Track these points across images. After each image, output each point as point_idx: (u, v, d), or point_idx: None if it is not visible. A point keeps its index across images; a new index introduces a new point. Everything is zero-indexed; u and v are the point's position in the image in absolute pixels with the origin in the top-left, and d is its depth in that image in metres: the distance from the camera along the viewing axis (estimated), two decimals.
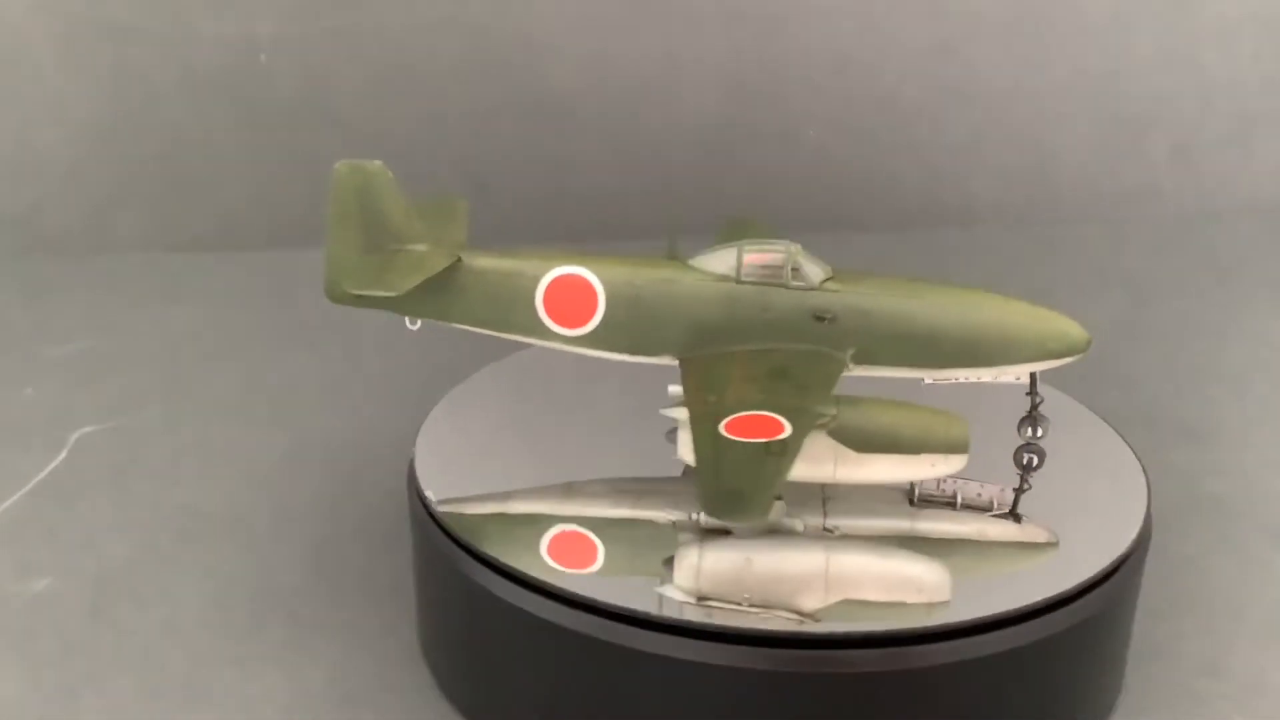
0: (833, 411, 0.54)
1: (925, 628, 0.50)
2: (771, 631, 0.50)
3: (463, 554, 0.56)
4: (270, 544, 0.72)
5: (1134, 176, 1.26)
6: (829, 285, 0.57)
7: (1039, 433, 0.59)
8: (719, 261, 0.59)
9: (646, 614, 0.51)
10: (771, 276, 0.58)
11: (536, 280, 0.59)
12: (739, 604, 0.52)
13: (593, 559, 0.56)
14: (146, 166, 1.15)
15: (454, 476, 0.62)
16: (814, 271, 0.58)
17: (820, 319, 0.57)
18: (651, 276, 0.59)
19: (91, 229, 1.15)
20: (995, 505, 0.58)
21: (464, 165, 1.18)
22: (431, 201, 0.66)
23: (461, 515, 0.58)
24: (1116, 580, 0.55)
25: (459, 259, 0.60)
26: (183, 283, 1.10)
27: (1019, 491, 0.59)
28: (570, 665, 0.52)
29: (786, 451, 0.50)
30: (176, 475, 0.79)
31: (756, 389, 0.54)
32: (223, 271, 1.13)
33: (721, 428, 0.52)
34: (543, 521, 0.58)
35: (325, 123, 1.17)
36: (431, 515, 0.58)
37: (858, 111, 1.21)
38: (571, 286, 0.59)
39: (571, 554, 0.56)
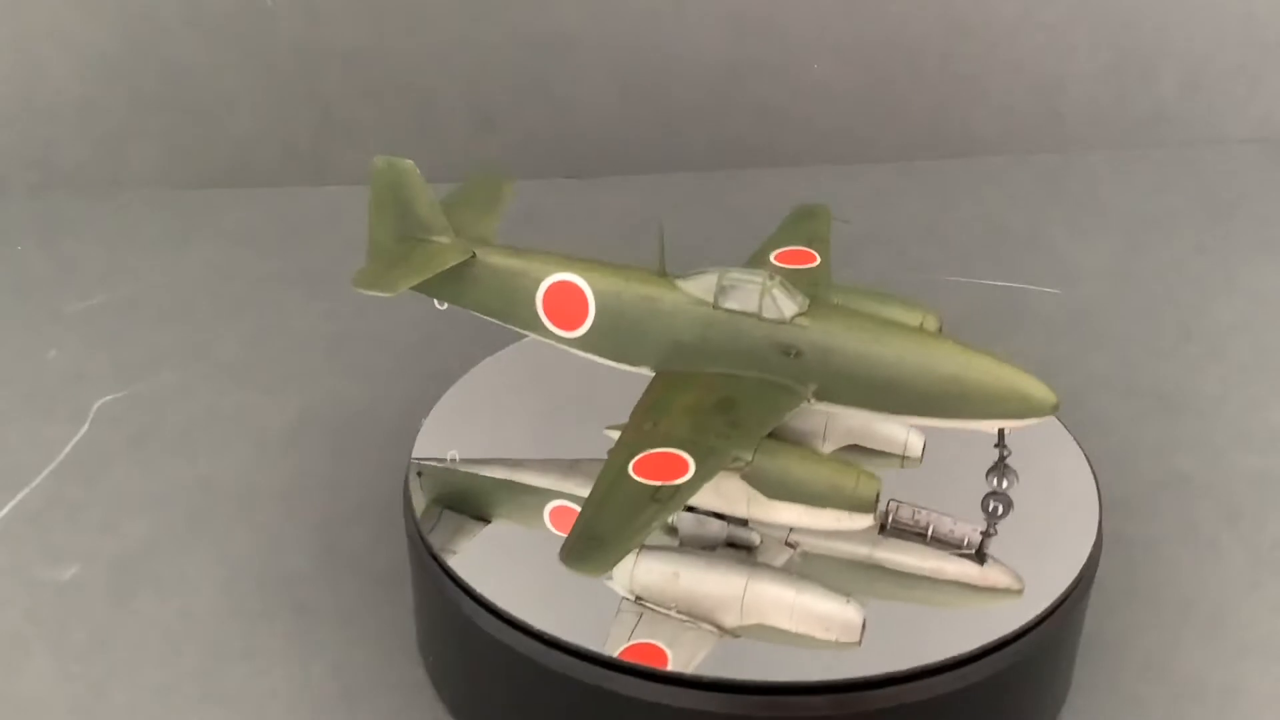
0: (748, 457, 0.56)
1: (858, 678, 0.55)
2: (725, 679, 0.54)
3: (453, 586, 0.60)
4: (278, 524, 0.77)
5: (1142, 107, 1.25)
6: (799, 320, 0.60)
7: (1004, 484, 0.61)
8: (701, 285, 0.62)
9: (620, 661, 0.56)
10: (746, 306, 0.61)
11: (538, 283, 0.64)
12: (668, 610, 0.57)
13: None
14: (156, 103, 1.17)
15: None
16: (788, 305, 0.60)
17: (786, 353, 0.60)
18: (637, 292, 0.63)
19: (104, 166, 1.17)
20: (965, 544, 0.60)
21: (469, 100, 1.19)
22: (480, 180, 0.74)
23: (469, 484, 0.65)
24: (1047, 628, 0.58)
25: (473, 254, 0.65)
26: (193, 223, 1.13)
27: (985, 535, 0.61)
28: (543, 698, 0.57)
29: (671, 500, 0.54)
30: (190, 448, 0.84)
31: (689, 423, 0.57)
32: (233, 210, 1.15)
33: (630, 466, 0.55)
34: (544, 495, 0.63)
35: (332, 58, 1.18)
36: (429, 550, 0.62)
37: (863, 44, 1.20)
38: (567, 292, 0.64)
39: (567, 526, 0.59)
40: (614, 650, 0.56)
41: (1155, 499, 0.80)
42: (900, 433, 0.66)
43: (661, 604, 0.57)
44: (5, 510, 0.78)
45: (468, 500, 0.66)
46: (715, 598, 0.57)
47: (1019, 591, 0.59)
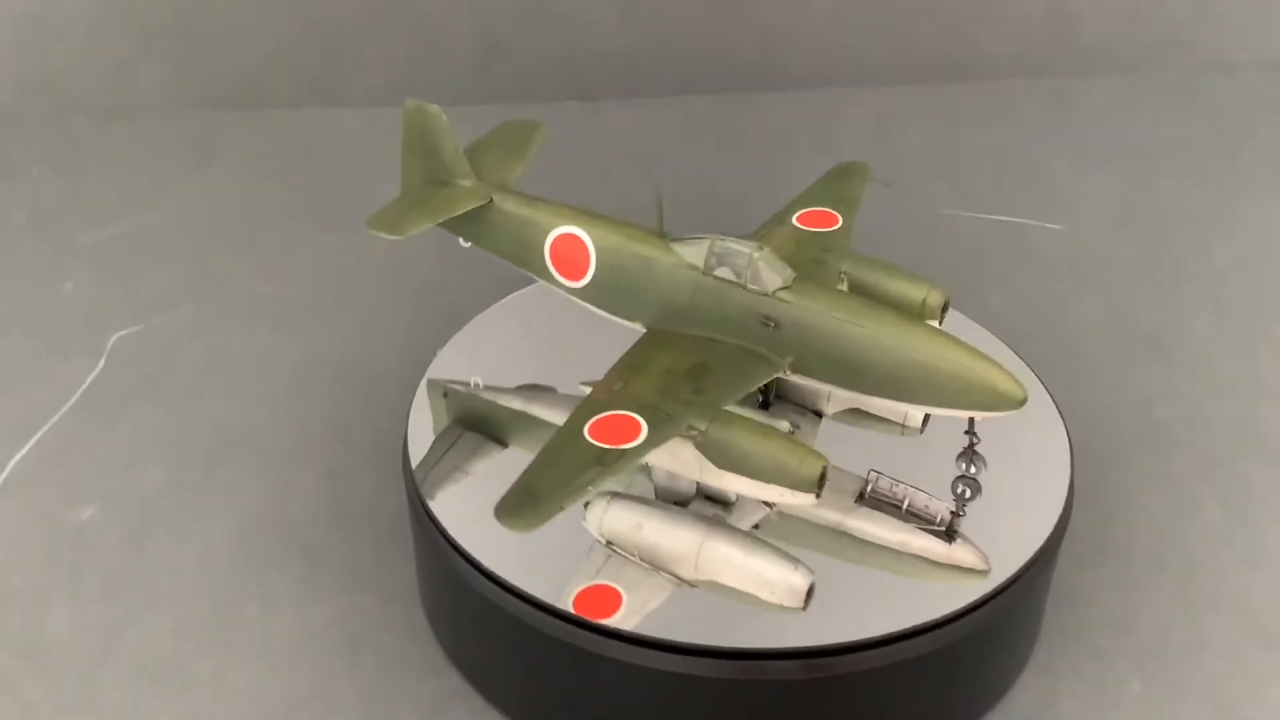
0: (702, 427, 0.58)
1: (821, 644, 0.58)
2: (688, 643, 0.58)
3: (448, 547, 0.63)
4: (287, 468, 0.80)
5: (1154, 28, 1.24)
6: (781, 294, 0.61)
7: (973, 469, 0.62)
8: (694, 251, 0.64)
9: (602, 624, 0.59)
10: (733, 275, 0.62)
11: (546, 233, 0.67)
12: (633, 557, 0.61)
13: None
14: (165, 29, 1.17)
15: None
16: (772, 278, 0.62)
17: (766, 324, 0.62)
18: (635, 251, 0.65)
19: (115, 91, 1.18)
20: (938, 520, 0.63)
21: (478, 24, 1.19)
22: (513, 125, 0.77)
23: (488, 410, 0.69)
24: (1006, 600, 0.61)
25: (491, 200, 0.69)
26: (204, 148, 1.14)
27: (955, 515, 0.63)
28: (528, 653, 0.61)
29: (615, 465, 0.56)
30: (203, 388, 0.87)
31: (657, 386, 0.60)
32: (243, 134, 1.16)
33: (586, 427, 0.58)
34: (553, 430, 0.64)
35: None
36: (426, 510, 0.65)
37: None
38: (572, 245, 0.67)
39: None
40: (576, 586, 0.60)
41: (1136, 450, 0.82)
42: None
43: (627, 551, 0.61)
44: (26, 448, 0.82)
45: (486, 424, 0.70)
46: (673, 551, 0.60)
47: (984, 572, 0.61)
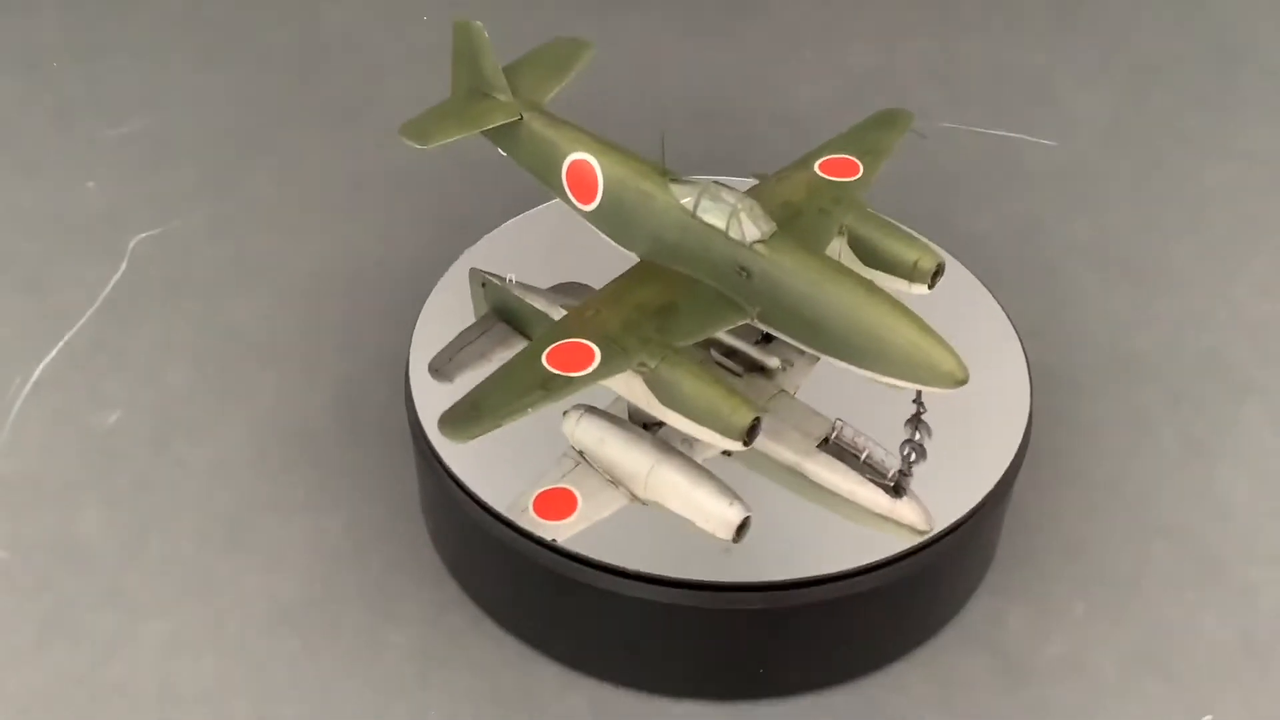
0: (651, 365, 0.62)
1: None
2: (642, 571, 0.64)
3: (447, 477, 0.69)
4: (303, 376, 0.85)
5: None
6: (758, 247, 0.64)
7: (918, 436, 0.66)
8: (687, 192, 0.67)
9: (588, 556, 0.65)
10: (716, 222, 0.66)
11: (564, 156, 0.71)
12: (596, 468, 0.66)
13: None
14: None
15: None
16: (751, 230, 0.65)
17: (740, 273, 0.65)
18: (637, 185, 0.69)
19: None
20: (890, 475, 0.66)
21: None
22: (561, 43, 0.80)
23: (519, 307, 0.74)
24: (952, 542, 0.66)
25: (520, 117, 0.72)
26: (222, 36, 1.16)
27: (902, 474, 0.67)
28: (519, 576, 0.67)
29: (557, 391, 0.61)
30: (221, 293, 0.91)
31: (622, 319, 0.64)
32: (260, 22, 1.18)
33: (545, 352, 0.63)
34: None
35: None
36: (427, 442, 0.70)
37: None
38: (584, 170, 0.71)
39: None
40: (540, 487, 0.65)
41: (1104, 376, 0.86)
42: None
43: (592, 461, 0.66)
44: (54, 351, 0.87)
45: (516, 318, 0.75)
46: (628, 469, 0.65)
47: (922, 532, 0.66)
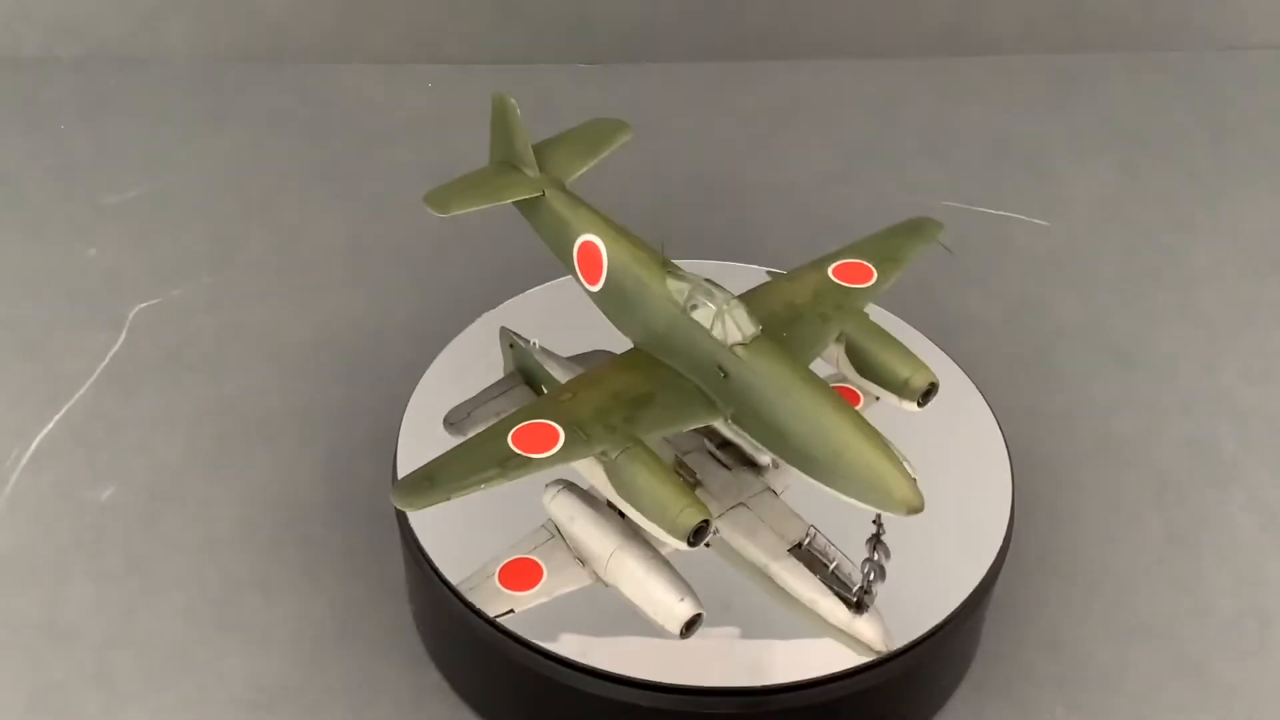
0: (613, 455, 0.63)
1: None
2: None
3: (429, 568, 0.69)
4: (292, 451, 0.86)
5: (1163, 9, 1.24)
6: (737, 349, 0.65)
7: (877, 557, 0.65)
8: (679, 288, 0.68)
9: (563, 655, 0.66)
10: (703, 320, 0.66)
11: (576, 236, 0.73)
12: (567, 544, 0.67)
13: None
14: None
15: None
16: (734, 332, 0.65)
17: (719, 373, 0.66)
18: (636, 273, 0.70)
19: (141, 38, 1.21)
20: (853, 590, 0.66)
21: None
22: (599, 123, 0.82)
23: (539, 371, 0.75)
24: (931, 646, 0.66)
25: (542, 194, 0.75)
26: (225, 101, 1.18)
27: (864, 591, 0.66)
28: (495, 671, 0.68)
29: (513, 472, 0.62)
30: (217, 366, 0.92)
31: (595, 406, 0.65)
32: (263, 87, 1.20)
33: (512, 431, 0.64)
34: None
35: None
36: (410, 532, 0.71)
37: None
38: (592, 252, 0.72)
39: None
40: (511, 554, 0.67)
41: (1089, 463, 0.87)
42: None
43: (565, 537, 0.67)
44: (53, 423, 0.88)
45: (535, 382, 0.76)
46: (593, 550, 0.66)
47: (878, 652, 0.65)
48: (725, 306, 0.65)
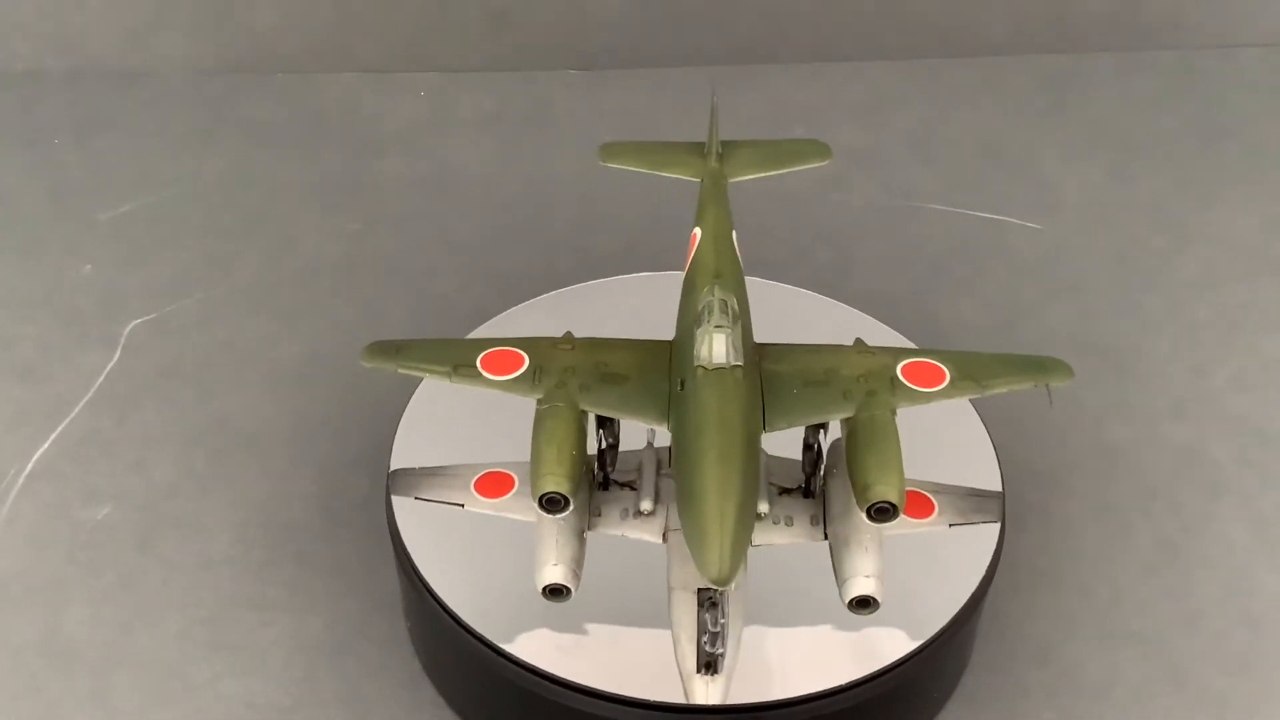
0: (544, 405, 0.64)
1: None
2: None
3: (422, 586, 0.70)
4: (285, 469, 0.86)
5: (1156, 9, 1.24)
6: (698, 369, 0.63)
7: (708, 620, 0.62)
8: (706, 298, 0.65)
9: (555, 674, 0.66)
10: (697, 334, 0.65)
11: (693, 226, 0.74)
12: None
13: None
14: None
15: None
16: (704, 353, 0.63)
17: (679, 384, 0.65)
18: (694, 276, 0.70)
19: (134, 51, 1.21)
20: (717, 648, 0.63)
21: None
22: (805, 143, 0.83)
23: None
24: (920, 662, 0.67)
25: (701, 180, 0.77)
26: (217, 113, 1.18)
27: (719, 655, 0.63)
28: (488, 689, 0.68)
29: (463, 379, 0.67)
30: (210, 382, 0.92)
31: (576, 364, 0.66)
32: (255, 98, 1.20)
33: (489, 349, 0.67)
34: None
35: None
36: (404, 548, 0.72)
37: None
38: (692, 243, 0.73)
39: None
40: (496, 467, 0.68)
41: (1081, 472, 0.87)
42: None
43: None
44: (48, 443, 0.88)
45: None
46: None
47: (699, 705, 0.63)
48: (712, 329, 0.64)
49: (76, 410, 0.91)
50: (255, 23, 1.22)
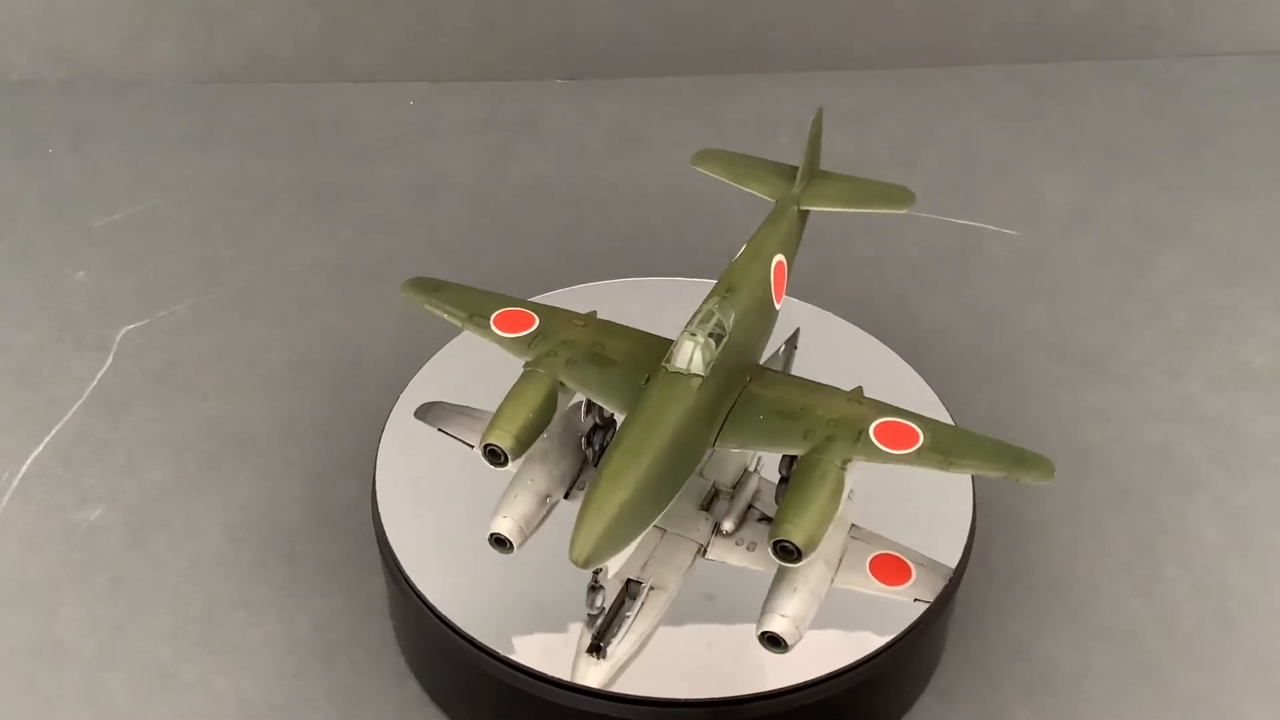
0: (530, 369, 0.69)
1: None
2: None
3: (411, 591, 0.71)
4: (277, 471, 0.88)
5: (1137, 15, 1.26)
6: (662, 369, 0.65)
7: (590, 606, 0.67)
8: (708, 308, 0.68)
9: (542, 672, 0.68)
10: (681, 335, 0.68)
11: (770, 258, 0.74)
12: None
13: None
14: (174, 2, 1.22)
15: None
16: (673, 357, 0.66)
17: (646, 379, 0.67)
18: (725, 282, 0.71)
19: (127, 60, 1.23)
20: (600, 632, 0.68)
21: (471, 2, 1.23)
22: (893, 187, 0.81)
23: None
24: (891, 655, 0.68)
25: (775, 201, 0.78)
26: (210, 121, 1.20)
27: (597, 640, 0.67)
28: (475, 688, 0.70)
29: (475, 328, 0.73)
30: (202, 386, 0.94)
31: (580, 337, 0.70)
32: (247, 107, 1.22)
33: (507, 307, 0.74)
34: None
35: None
36: (391, 552, 0.73)
37: None
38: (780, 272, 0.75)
39: None
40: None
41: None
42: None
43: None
44: (41, 446, 0.90)
45: None
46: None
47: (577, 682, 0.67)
48: (689, 336, 0.66)
49: (70, 414, 0.92)
50: (247, 32, 1.24)
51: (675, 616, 0.69)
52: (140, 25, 1.22)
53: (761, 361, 0.74)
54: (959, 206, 1.11)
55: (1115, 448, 0.90)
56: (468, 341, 0.86)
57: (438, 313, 0.75)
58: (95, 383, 0.94)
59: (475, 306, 0.74)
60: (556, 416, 0.69)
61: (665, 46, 1.25)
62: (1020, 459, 0.66)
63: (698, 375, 0.64)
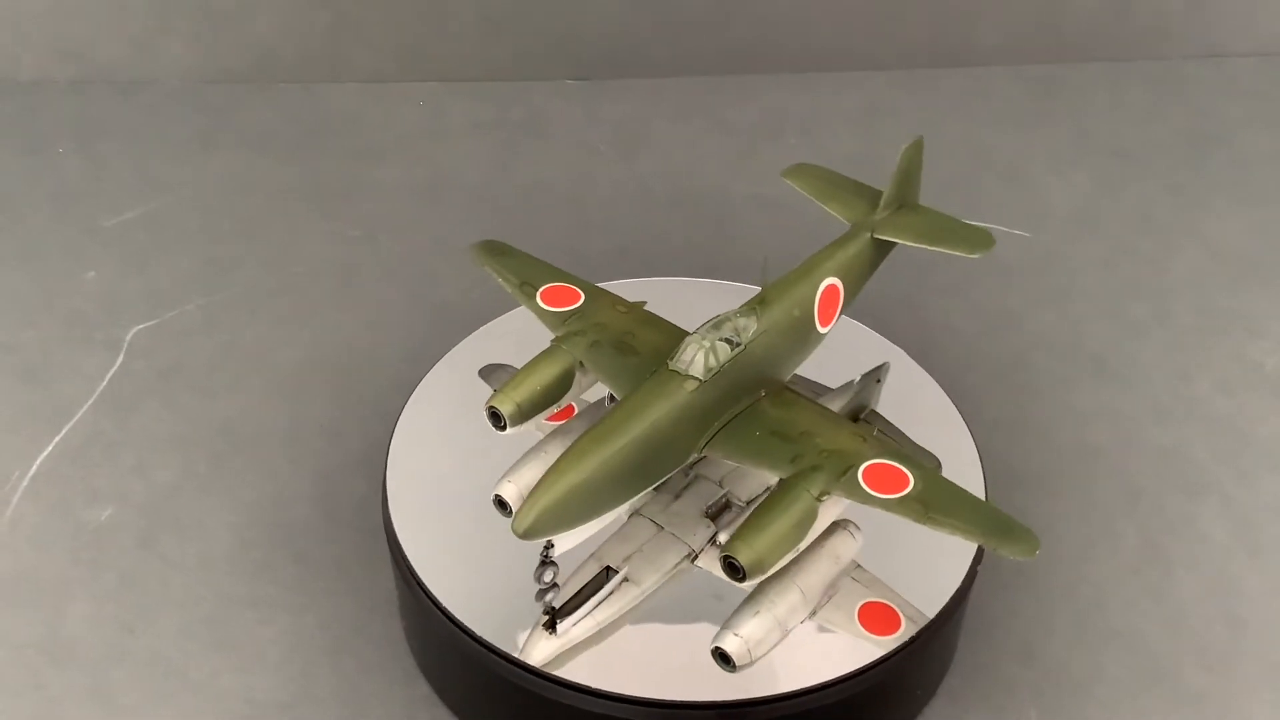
0: (553, 344, 0.71)
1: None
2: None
3: (419, 588, 0.71)
4: (285, 470, 0.88)
5: (1144, 15, 1.26)
6: (664, 368, 0.66)
7: (538, 579, 0.67)
8: (726, 318, 0.68)
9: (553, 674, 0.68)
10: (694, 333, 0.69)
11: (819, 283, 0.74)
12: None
13: None
14: (182, 3, 1.22)
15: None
16: (676, 357, 0.66)
17: (651, 374, 0.67)
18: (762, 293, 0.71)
19: (136, 61, 1.23)
20: (551, 605, 0.67)
21: (478, 3, 1.23)
22: (970, 228, 0.80)
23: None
24: (901, 660, 0.68)
25: (850, 225, 0.78)
26: (218, 122, 1.20)
27: (549, 616, 0.67)
28: (484, 687, 0.70)
29: (522, 297, 0.75)
30: (211, 386, 0.94)
31: (615, 324, 0.71)
32: (255, 107, 1.22)
33: (556, 281, 0.75)
34: None
35: None
36: (401, 550, 0.73)
37: None
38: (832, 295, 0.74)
39: None
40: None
41: (1066, 474, 0.89)
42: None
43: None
44: (51, 446, 0.90)
45: None
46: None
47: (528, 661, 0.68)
48: (695, 339, 0.66)
49: (80, 414, 0.92)
50: (255, 33, 1.24)
51: (684, 616, 0.69)
52: (148, 26, 1.23)
53: (839, 388, 0.76)
54: (966, 208, 1.10)
55: (1124, 449, 0.90)
56: (478, 342, 0.87)
57: (494, 275, 0.76)
58: (105, 383, 0.94)
59: (529, 276, 0.75)
60: (577, 397, 0.71)
61: (672, 47, 1.25)
62: (1005, 529, 0.62)
63: (695, 378, 0.65)
